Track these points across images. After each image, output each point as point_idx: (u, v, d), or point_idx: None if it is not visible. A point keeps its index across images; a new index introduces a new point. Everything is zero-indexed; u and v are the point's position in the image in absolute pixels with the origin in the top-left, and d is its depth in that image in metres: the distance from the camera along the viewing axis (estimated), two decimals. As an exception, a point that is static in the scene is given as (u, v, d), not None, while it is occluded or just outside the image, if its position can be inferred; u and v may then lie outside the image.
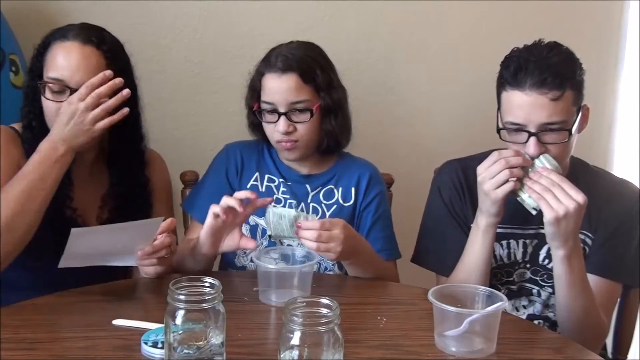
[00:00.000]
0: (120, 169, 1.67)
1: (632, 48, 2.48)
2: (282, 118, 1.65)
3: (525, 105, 1.48)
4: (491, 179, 1.47)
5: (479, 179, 1.50)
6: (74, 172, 1.61)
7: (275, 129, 1.66)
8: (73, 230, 1.33)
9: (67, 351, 1.18)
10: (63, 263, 1.37)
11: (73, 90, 1.51)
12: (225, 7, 2.20)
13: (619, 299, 1.72)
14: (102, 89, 1.47)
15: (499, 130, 1.56)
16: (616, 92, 2.54)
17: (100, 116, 1.47)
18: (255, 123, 1.77)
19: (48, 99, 1.54)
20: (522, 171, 1.47)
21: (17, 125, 1.63)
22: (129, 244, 1.44)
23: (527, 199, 1.47)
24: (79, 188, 1.63)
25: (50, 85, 1.54)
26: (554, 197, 1.40)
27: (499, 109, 1.58)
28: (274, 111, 1.66)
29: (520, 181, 1.47)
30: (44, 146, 1.48)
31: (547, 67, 1.47)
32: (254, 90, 1.72)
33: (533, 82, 1.47)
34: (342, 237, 1.46)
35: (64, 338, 1.24)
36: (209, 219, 1.50)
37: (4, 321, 1.27)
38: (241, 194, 1.51)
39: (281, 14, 2.24)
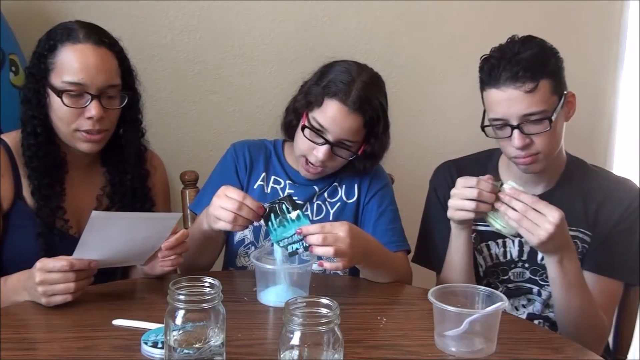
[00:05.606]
0: (120, 167, 1.64)
1: (632, 48, 2.48)
2: (326, 147, 1.63)
3: (503, 100, 1.51)
4: (459, 200, 1.49)
5: (452, 190, 1.51)
6: (68, 177, 1.58)
7: (314, 152, 1.64)
8: (94, 213, 1.30)
9: (66, 351, 1.18)
10: (77, 253, 1.34)
11: (92, 95, 1.48)
12: (225, 7, 2.20)
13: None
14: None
15: (483, 128, 1.59)
16: (616, 91, 2.54)
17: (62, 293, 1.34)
18: (291, 124, 1.74)
19: (67, 105, 1.48)
20: (490, 206, 1.45)
21: (11, 135, 1.58)
22: (144, 238, 1.41)
23: (503, 228, 1.46)
24: (71, 195, 1.59)
25: (69, 90, 1.48)
26: (531, 223, 1.39)
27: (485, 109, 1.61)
28: (321, 135, 1.63)
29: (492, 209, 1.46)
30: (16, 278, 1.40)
31: (518, 62, 1.49)
32: (310, 102, 1.65)
33: (506, 77, 1.49)
34: (349, 241, 1.40)
35: (64, 338, 1.23)
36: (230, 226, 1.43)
37: (4, 321, 1.27)
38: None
39: (281, 14, 2.24)
